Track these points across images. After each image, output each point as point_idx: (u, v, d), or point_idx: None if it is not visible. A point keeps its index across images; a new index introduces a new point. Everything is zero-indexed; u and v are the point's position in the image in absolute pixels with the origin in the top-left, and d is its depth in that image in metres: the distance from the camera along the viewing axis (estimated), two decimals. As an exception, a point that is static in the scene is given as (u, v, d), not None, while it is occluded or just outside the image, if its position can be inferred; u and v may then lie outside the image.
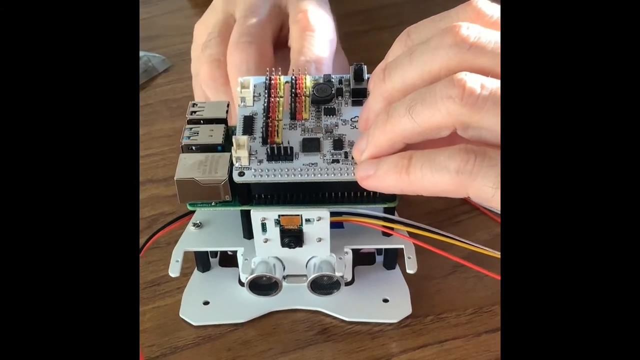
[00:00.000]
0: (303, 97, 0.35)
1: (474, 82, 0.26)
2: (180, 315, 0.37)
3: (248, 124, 0.34)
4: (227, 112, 0.36)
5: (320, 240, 0.34)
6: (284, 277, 0.36)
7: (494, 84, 0.26)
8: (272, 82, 0.36)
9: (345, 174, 0.32)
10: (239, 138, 0.32)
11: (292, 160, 0.32)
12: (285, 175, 0.32)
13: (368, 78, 0.34)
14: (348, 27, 0.58)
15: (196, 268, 0.39)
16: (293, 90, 0.35)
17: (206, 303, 0.37)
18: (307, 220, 0.33)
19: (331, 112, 0.34)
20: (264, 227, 0.33)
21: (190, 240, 0.36)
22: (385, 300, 0.37)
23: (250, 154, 0.33)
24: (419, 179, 0.28)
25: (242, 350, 0.36)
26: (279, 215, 0.33)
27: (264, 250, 0.35)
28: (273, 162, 0.32)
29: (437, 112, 0.27)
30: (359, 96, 0.35)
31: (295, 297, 0.37)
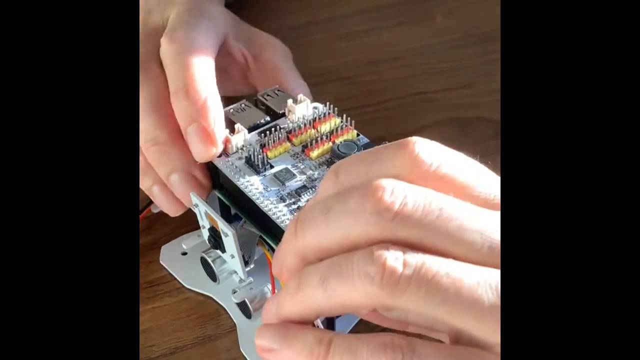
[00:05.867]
0: (327, 143, 0.34)
1: (396, 260, 0.22)
2: (162, 246, 0.39)
3: (270, 129, 0.35)
4: (287, 109, 0.36)
5: (232, 257, 0.34)
6: (241, 278, 0.36)
7: (419, 260, 0.22)
8: (322, 118, 0.36)
9: (274, 214, 0.31)
10: (240, 127, 0.34)
11: (258, 174, 0.33)
12: (236, 178, 0.33)
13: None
14: (348, 27, 0.58)
15: None
16: (327, 133, 0.35)
17: (184, 254, 0.39)
18: (222, 231, 0.33)
19: None
20: (199, 213, 0.34)
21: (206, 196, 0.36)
22: None
23: (241, 148, 0.34)
24: None
25: (240, 350, 0.36)
26: (206, 211, 0.33)
27: (204, 236, 0.36)
28: (246, 165, 0.33)
29: (354, 291, 0.23)
30: None
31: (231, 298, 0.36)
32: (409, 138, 0.25)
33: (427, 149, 0.25)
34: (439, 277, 0.22)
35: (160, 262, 0.39)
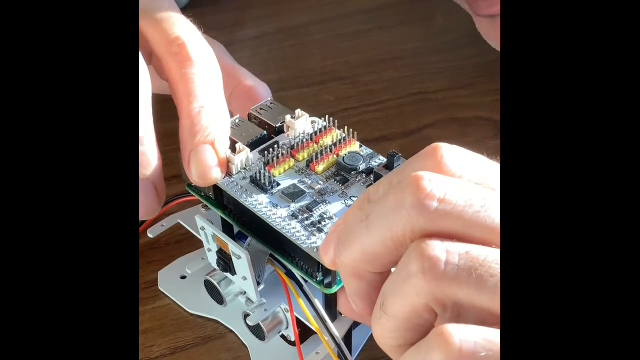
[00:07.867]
0: (331, 156, 0.34)
1: (438, 249, 0.22)
2: (159, 272, 0.39)
3: (272, 146, 0.34)
4: (285, 125, 0.35)
5: (245, 279, 0.33)
6: (248, 299, 0.35)
7: (464, 248, 0.22)
8: (322, 132, 0.35)
9: (287, 232, 0.30)
10: (241, 146, 0.33)
11: (265, 193, 0.32)
12: (244, 199, 0.32)
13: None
14: (348, 27, 0.58)
15: None
16: (330, 147, 0.34)
17: (183, 277, 0.38)
18: (233, 253, 0.32)
19: (343, 181, 0.33)
20: (206, 236, 0.33)
21: (206, 215, 0.35)
22: None
23: (244, 168, 0.33)
24: None
25: (241, 350, 0.36)
26: (214, 234, 0.33)
27: (210, 259, 0.34)
28: (252, 184, 0.32)
29: (407, 297, 0.22)
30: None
31: (241, 321, 0.35)
32: (435, 144, 0.25)
33: (452, 155, 0.24)
34: (488, 263, 0.22)
35: (159, 288, 0.38)
